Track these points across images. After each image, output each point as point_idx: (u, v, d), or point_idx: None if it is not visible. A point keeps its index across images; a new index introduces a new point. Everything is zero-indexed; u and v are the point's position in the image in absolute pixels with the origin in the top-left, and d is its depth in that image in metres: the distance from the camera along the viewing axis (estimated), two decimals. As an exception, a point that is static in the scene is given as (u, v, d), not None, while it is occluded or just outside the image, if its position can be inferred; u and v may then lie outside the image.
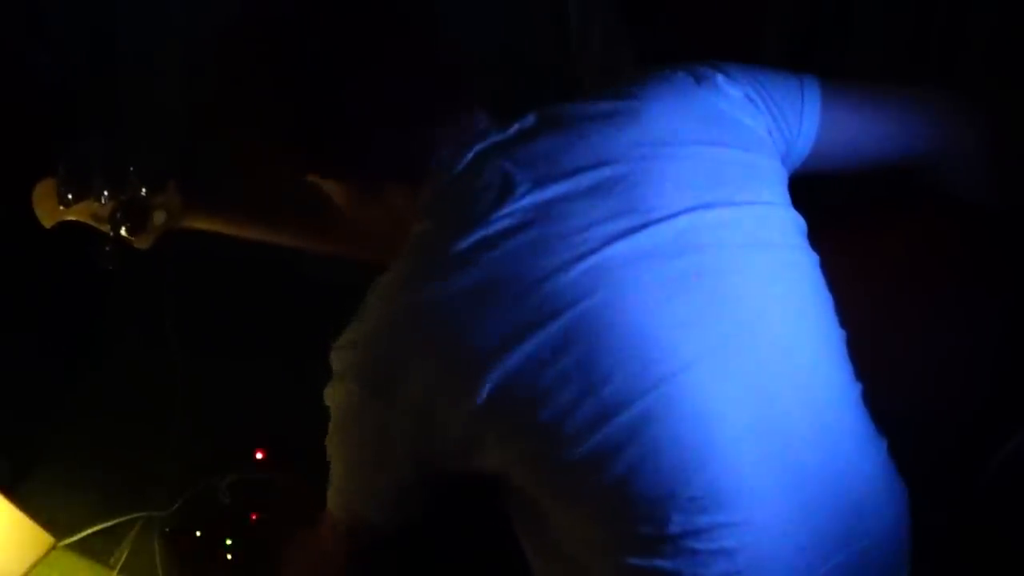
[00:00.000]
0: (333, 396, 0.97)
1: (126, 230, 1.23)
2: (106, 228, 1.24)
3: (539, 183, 0.91)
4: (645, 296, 0.88)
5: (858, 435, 0.94)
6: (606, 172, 0.91)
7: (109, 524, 1.47)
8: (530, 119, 0.96)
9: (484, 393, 0.87)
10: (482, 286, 0.88)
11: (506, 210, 0.90)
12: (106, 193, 1.21)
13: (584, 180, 0.91)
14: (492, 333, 0.87)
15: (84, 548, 1.45)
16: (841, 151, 1.03)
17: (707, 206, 0.91)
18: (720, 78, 0.98)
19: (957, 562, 1.02)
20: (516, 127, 0.96)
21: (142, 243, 1.26)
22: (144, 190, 1.23)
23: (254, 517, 1.49)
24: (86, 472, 1.54)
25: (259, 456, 1.55)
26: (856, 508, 0.92)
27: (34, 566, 1.40)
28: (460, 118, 0.97)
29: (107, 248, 1.24)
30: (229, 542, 1.47)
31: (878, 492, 0.95)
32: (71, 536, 1.46)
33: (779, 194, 0.97)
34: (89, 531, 1.46)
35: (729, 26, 1.43)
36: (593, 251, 0.88)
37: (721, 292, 0.90)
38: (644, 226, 0.89)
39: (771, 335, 0.91)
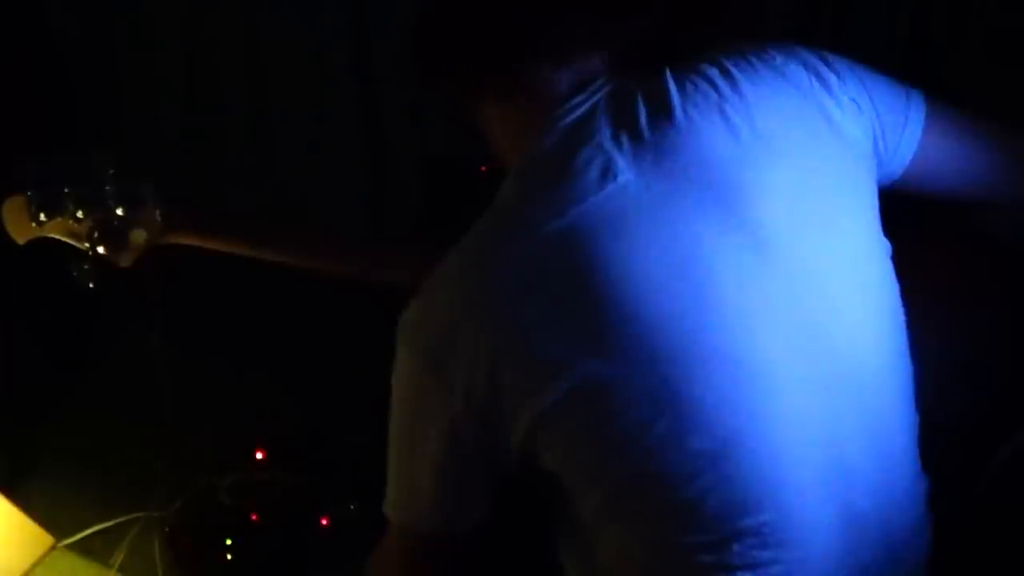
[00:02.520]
0: (394, 369, 0.91)
1: (104, 249, 1.18)
2: (84, 246, 1.19)
3: (643, 174, 0.85)
4: (749, 324, 0.84)
5: (910, 479, 0.94)
6: (716, 175, 0.86)
7: (109, 524, 1.47)
8: (637, 96, 0.88)
9: (558, 394, 0.83)
10: (571, 277, 0.83)
11: (605, 195, 0.84)
12: (79, 213, 1.16)
13: (692, 180, 0.85)
14: (575, 333, 0.82)
15: (84, 548, 1.45)
16: (923, 179, 0.99)
17: (814, 229, 0.87)
18: (834, 80, 0.92)
19: (958, 563, 1.01)
20: (617, 100, 0.89)
21: (123, 261, 1.21)
22: (120, 209, 1.17)
23: (254, 517, 1.49)
24: (86, 472, 1.54)
25: (259, 456, 1.55)
26: (897, 546, 0.92)
27: (34, 566, 1.39)
28: (579, 56, 0.90)
29: (86, 267, 1.19)
30: (229, 542, 1.47)
31: (915, 530, 0.95)
32: (71, 536, 1.45)
33: (875, 219, 0.93)
34: (89, 531, 1.46)
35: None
36: (699, 267, 0.84)
37: (825, 334, 0.87)
38: (753, 248, 0.85)
39: (866, 383, 0.89)
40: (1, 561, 1.38)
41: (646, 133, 0.86)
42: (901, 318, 0.93)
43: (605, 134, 0.87)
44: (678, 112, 0.87)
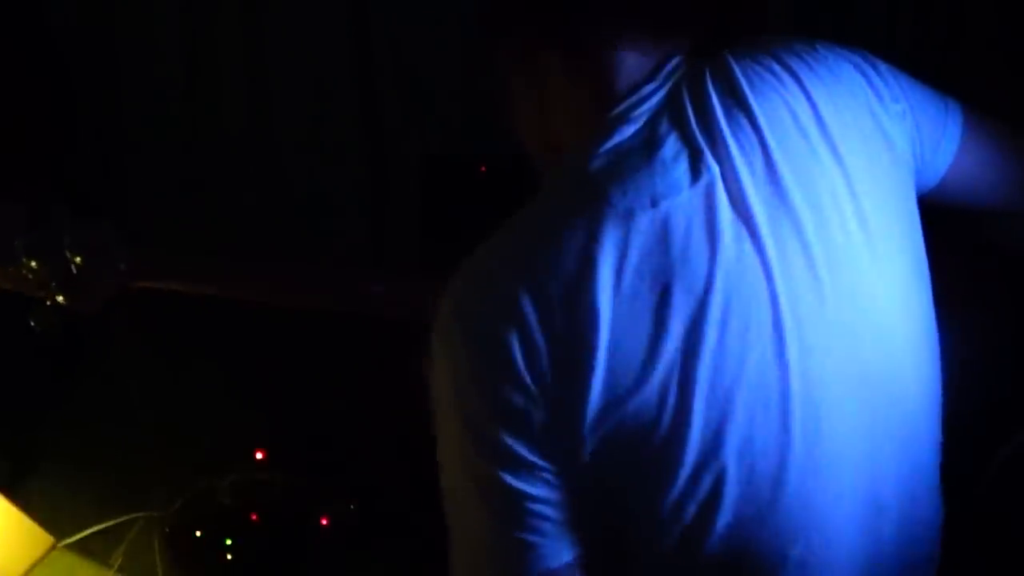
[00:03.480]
0: (436, 383, 0.83)
1: (63, 299, 1.14)
2: (40, 295, 1.15)
3: (727, 171, 0.82)
4: (808, 355, 0.82)
5: (934, 509, 0.94)
6: (792, 189, 0.82)
7: (109, 524, 1.47)
8: (709, 85, 0.85)
9: (635, 396, 0.78)
10: (662, 270, 0.79)
11: (696, 190, 0.81)
12: (33, 263, 1.11)
13: (768, 184, 0.82)
14: (659, 326, 0.78)
15: (84, 548, 1.45)
16: (957, 190, 0.97)
17: (868, 245, 0.85)
18: (881, 84, 0.90)
19: (959, 563, 1.01)
20: (694, 90, 0.85)
21: (86, 309, 1.16)
22: (79, 258, 1.12)
23: (254, 517, 1.49)
24: (86, 472, 1.53)
25: (259, 456, 1.55)
26: (916, 569, 0.93)
27: (34, 566, 1.39)
28: (666, 41, 0.86)
29: (46, 316, 1.14)
30: (229, 542, 1.46)
31: (931, 555, 0.95)
32: (71, 536, 1.45)
33: (919, 231, 0.92)
34: (89, 531, 1.46)
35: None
36: (766, 286, 0.81)
37: (873, 364, 0.85)
38: (814, 269, 0.82)
39: (905, 417, 0.88)
40: (1, 561, 1.38)
41: (725, 127, 0.83)
42: (936, 341, 0.92)
43: (691, 125, 0.83)
44: (752, 105, 0.84)
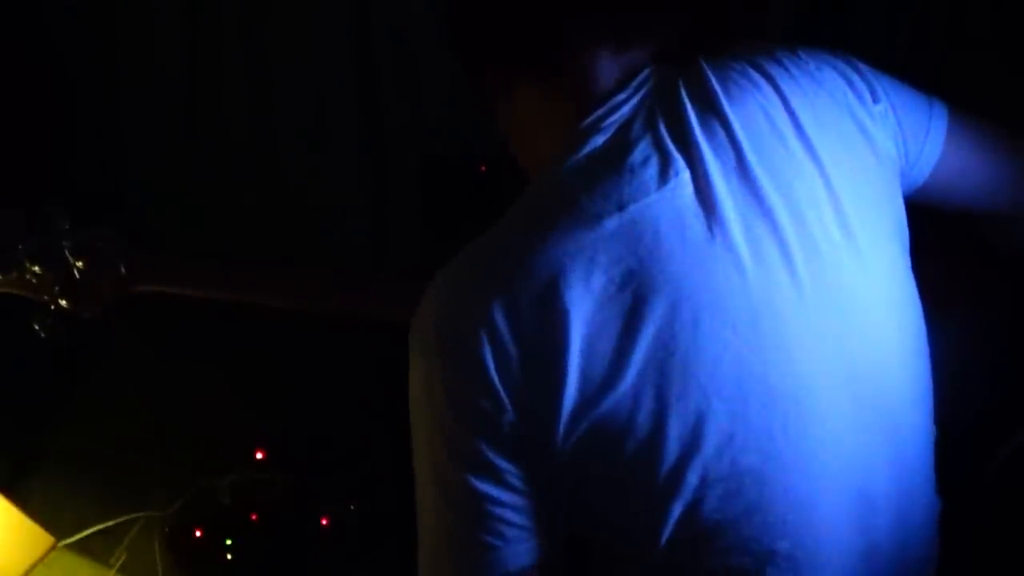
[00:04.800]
0: (413, 389, 0.85)
1: (66, 303, 1.15)
2: (44, 299, 1.15)
3: (699, 175, 0.82)
4: (793, 354, 0.82)
5: (927, 503, 0.94)
6: (764, 182, 0.83)
7: (109, 524, 1.47)
8: (682, 92, 0.86)
9: (612, 399, 0.79)
10: (630, 272, 0.79)
11: (664, 193, 0.81)
12: (36, 268, 1.12)
13: (743, 187, 0.83)
14: (632, 330, 0.79)
15: (84, 548, 1.45)
16: (943, 190, 0.98)
17: (852, 247, 0.85)
18: (863, 87, 0.90)
19: (958, 563, 1.01)
20: (666, 96, 0.85)
21: (88, 313, 1.17)
22: (80, 262, 1.14)
23: (254, 517, 1.49)
24: (86, 472, 1.54)
25: (259, 456, 1.55)
26: (910, 569, 0.92)
27: (34, 566, 1.39)
28: (636, 46, 0.87)
29: (49, 320, 1.15)
30: (229, 542, 1.47)
31: (928, 552, 0.95)
32: (71, 536, 1.45)
33: (905, 233, 0.92)
34: (89, 531, 1.46)
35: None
36: (746, 288, 0.81)
37: (861, 361, 0.85)
38: (795, 270, 0.82)
39: (895, 412, 0.88)
40: (1, 561, 1.38)
41: (698, 131, 0.84)
42: (925, 337, 0.92)
43: (661, 131, 0.84)
44: (727, 110, 0.85)
